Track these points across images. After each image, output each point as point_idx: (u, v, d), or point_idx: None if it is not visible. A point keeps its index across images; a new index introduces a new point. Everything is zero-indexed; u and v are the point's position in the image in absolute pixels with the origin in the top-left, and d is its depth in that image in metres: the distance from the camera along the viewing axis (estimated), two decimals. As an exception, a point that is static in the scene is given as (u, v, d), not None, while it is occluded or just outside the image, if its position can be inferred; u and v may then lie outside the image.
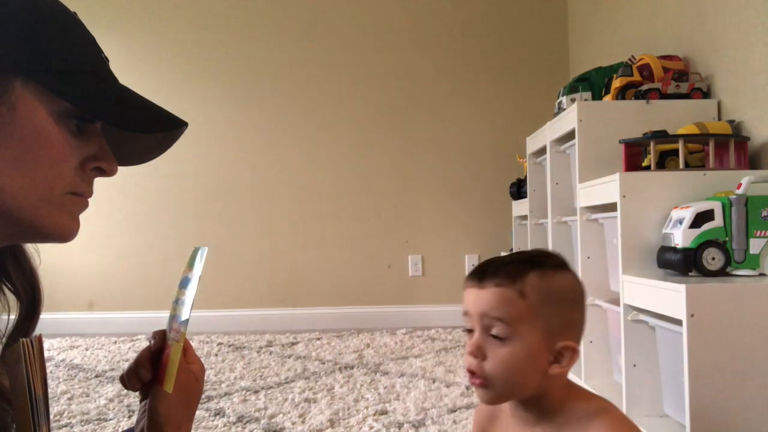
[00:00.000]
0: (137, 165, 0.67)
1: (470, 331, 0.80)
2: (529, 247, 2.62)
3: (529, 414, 0.81)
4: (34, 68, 0.52)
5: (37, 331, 0.63)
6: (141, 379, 0.67)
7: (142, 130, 0.58)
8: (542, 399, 0.79)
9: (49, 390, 0.62)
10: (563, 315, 0.78)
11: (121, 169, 0.65)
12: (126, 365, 0.68)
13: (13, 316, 0.63)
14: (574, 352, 0.78)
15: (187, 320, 0.65)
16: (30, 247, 0.64)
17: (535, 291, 0.76)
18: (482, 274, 0.79)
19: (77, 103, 0.53)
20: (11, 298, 0.64)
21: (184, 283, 0.68)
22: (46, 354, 0.61)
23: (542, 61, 3.41)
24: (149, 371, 0.67)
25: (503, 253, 0.93)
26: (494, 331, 0.76)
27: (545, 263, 0.79)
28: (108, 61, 0.61)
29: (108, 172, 0.59)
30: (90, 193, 0.59)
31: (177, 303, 0.68)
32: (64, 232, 0.57)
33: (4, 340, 0.62)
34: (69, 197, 0.56)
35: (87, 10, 0.59)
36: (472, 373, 0.78)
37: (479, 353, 0.76)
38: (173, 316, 0.67)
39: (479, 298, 0.78)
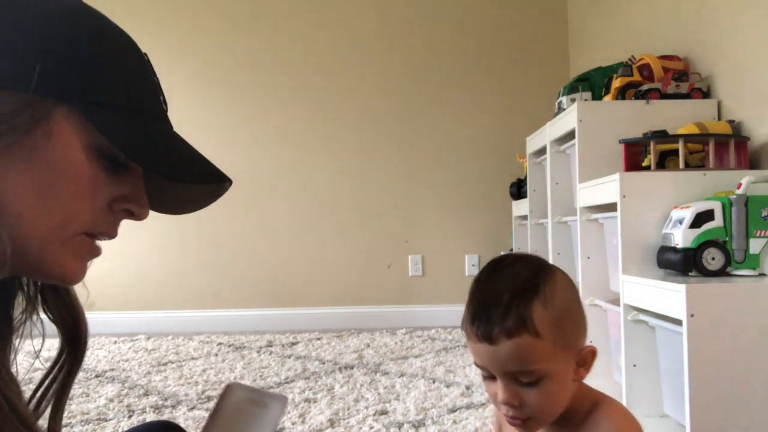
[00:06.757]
0: (174, 215, 0.64)
1: (489, 375, 0.76)
2: (529, 248, 2.62)
3: None
4: (80, 98, 0.49)
5: (38, 332, 0.61)
6: None
7: (177, 179, 0.54)
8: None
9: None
10: (574, 325, 0.77)
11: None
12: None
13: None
14: (594, 353, 0.78)
15: None
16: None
17: (547, 324, 0.72)
18: (487, 325, 0.72)
19: (116, 142, 0.50)
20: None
21: None
22: (45, 354, 0.61)
23: (542, 61, 3.41)
24: None
25: (502, 253, 0.91)
26: (523, 380, 0.73)
27: (539, 283, 0.73)
28: (166, 105, 0.59)
29: (137, 216, 0.56)
30: (113, 234, 0.56)
31: None
32: (65, 273, 0.53)
33: (47, 381, 0.61)
34: (79, 237, 0.52)
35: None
36: (513, 417, 0.75)
37: (516, 401, 0.73)
38: None
39: (495, 356, 0.72)
